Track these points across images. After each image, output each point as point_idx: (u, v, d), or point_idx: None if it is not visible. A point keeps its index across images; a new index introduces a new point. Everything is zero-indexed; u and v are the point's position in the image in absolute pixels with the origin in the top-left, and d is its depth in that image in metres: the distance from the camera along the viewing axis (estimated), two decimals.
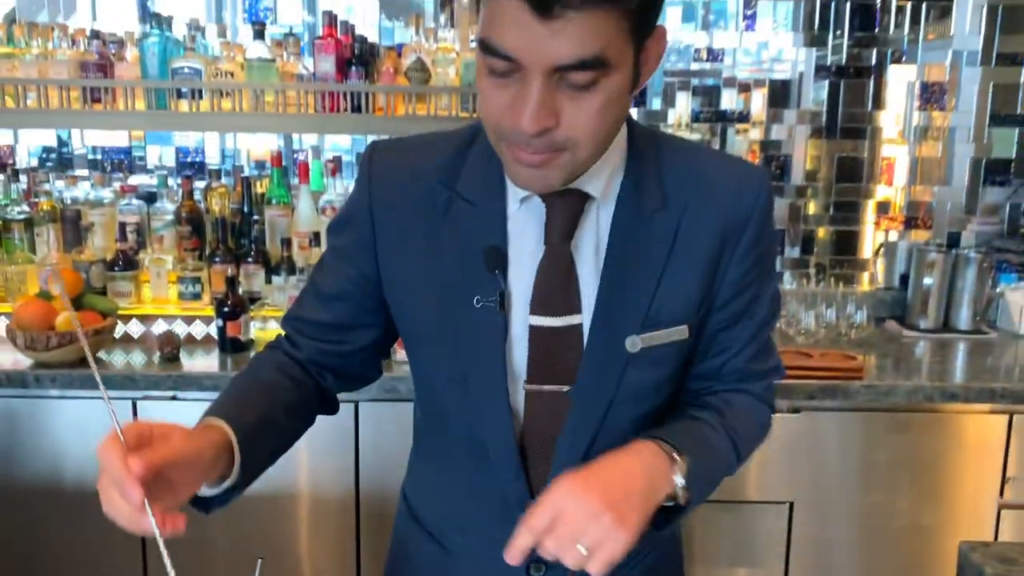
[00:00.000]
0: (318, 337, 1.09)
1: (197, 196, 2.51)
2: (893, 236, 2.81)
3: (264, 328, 2.27)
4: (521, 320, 0.98)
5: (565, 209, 0.96)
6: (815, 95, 2.73)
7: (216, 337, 2.24)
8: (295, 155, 2.74)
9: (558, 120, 0.84)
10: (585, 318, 0.98)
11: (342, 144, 2.78)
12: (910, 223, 2.80)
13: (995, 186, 2.77)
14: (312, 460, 2.16)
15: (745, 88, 2.74)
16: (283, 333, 1.13)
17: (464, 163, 1.00)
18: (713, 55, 2.73)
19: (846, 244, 2.82)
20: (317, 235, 2.40)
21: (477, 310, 0.97)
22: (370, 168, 1.04)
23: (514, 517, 0.92)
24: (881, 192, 2.79)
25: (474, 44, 2.44)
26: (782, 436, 2.14)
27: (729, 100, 2.75)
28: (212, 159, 2.79)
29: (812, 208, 2.80)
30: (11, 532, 2.17)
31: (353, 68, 2.38)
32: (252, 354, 2.18)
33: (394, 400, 2.07)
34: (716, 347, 1.05)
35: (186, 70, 2.37)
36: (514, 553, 0.85)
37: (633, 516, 0.86)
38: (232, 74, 2.40)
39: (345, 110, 2.39)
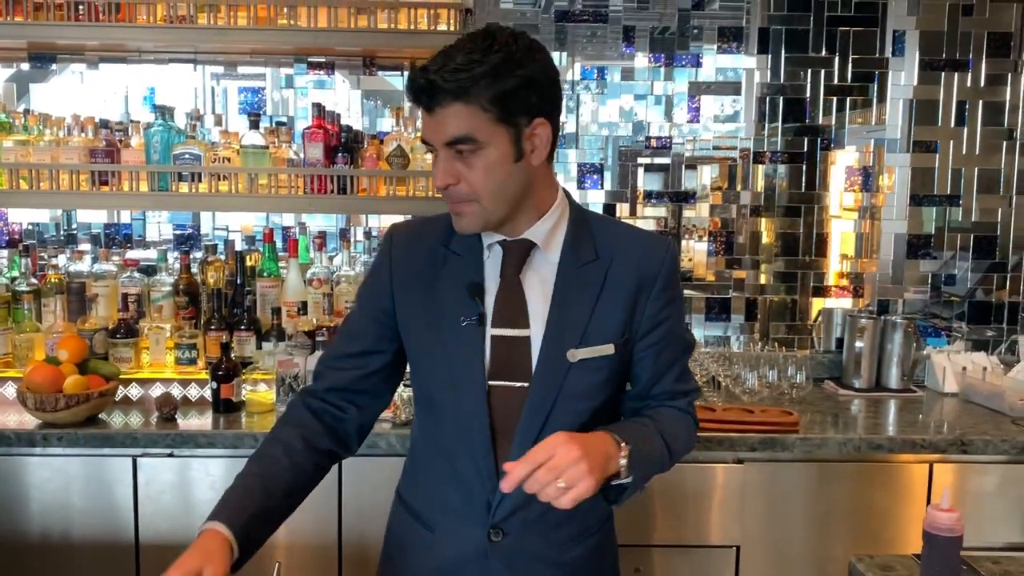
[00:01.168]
0: (347, 366, 1.45)
1: (194, 269, 2.73)
2: (832, 304, 3.09)
3: (255, 390, 2.46)
4: (488, 333, 1.34)
5: (515, 253, 1.35)
6: (760, 177, 3.04)
7: (210, 399, 2.44)
8: (285, 232, 2.97)
9: (458, 178, 1.25)
10: (533, 332, 1.33)
11: (327, 221, 3.02)
12: (857, 292, 3.09)
13: (926, 259, 3.07)
14: (296, 514, 2.33)
15: (692, 166, 3.04)
16: (310, 383, 1.50)
17: (455, 231, 1.37)
18: (662, 141, 3.03)
19: (790, 311, 3.09)
20: (304, 304, 2.62)
21: (463, 327, 1.33)
22: (391, 240, 1.46)
23: (484, 490, 1.30)
24: (823, 264, 3.08)
25: None
26: (728, 484, 2.36)
27: (681, 179, 3.04)
28: (204, 233, 3.01)
29: (760, 279, 3.07)
30: None
31: (339, 154, 2.64)
32: (243, 414, 2.41)
33: (376, 455, 2.26)
34: (649, 373, 1.40)
35: (187, 156, 2.62)
36: (511, 481, 1.15)
37: (597, 471, 1.18)
38: (229, 159, 2.65)
39: (332, 191, 2.64)
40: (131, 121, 2.81)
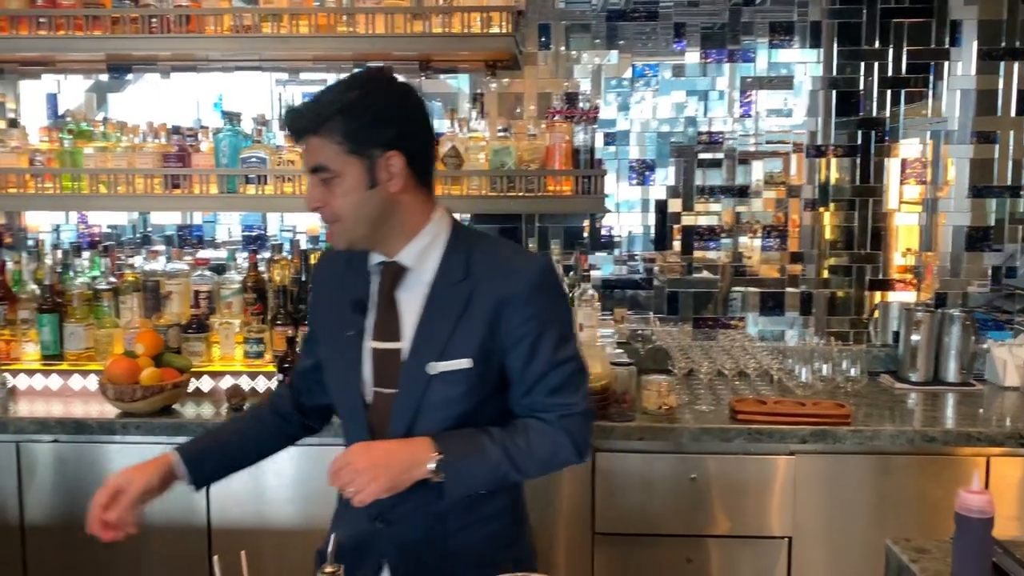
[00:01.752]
0: (300, 367, 1.75)
1: (261, 268, 2.85)
2: (894, 297, 3.06)
3: None
4: (369, 345, 1.52)
5: (388, 274, 1.51)
6: (816, 171, 3.03)
7: None
8: None
9: (323, 202, 1.42)
10: (404, 346, 1.48)
11: None
12: (918, 285, 3.06)
13: (987, 251, 3.03)
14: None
15: (745, 161, 3.06)
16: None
17: (357, 254, 1.54)
18: (716, 137, 3.05)
19: (848, 306, 3.08)
20: None
21: (348, 339, 1.52)
22: (317, 264, 1.72)
23: None
24: (880, 257, 3.06)
25: (501, 133, 2.80)
26: (780, 476, 2.38)
27: (736, 175, 3.06)
28: (271, 233, 3.15)
29: (816, 273, 3.07)
30: (95, 566, 2.45)
31: None
32: None
33: None
34: (517, 384, 1.49)
35: (253, 159, 2.74)
36: (329, 480, 1.39)
37: (384, 479, 1.36)
38: (293, 162, 2.76)
39: None
40: (201, 127, 2.96)
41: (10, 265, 2.88)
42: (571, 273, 2.88)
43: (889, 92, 2.99)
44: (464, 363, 1.44)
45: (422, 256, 1.49)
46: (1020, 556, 1.30)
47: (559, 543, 2.43)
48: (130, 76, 3.12)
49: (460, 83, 3.11)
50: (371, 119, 1.39)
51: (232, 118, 2.81)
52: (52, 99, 3.15)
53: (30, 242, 3.15)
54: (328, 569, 1.09)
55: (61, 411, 2.48)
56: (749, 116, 3.04)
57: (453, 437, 1.44)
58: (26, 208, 3.04)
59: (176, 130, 2.88)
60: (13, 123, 3.05)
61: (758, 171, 3.07)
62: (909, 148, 3.02)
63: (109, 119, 2.99)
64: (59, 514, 2.45)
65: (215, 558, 1.13)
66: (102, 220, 3.16)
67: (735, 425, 2.38)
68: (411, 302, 1.49)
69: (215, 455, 1.66)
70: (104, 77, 3.13)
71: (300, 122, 1.40)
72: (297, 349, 2.59)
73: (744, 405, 2.44)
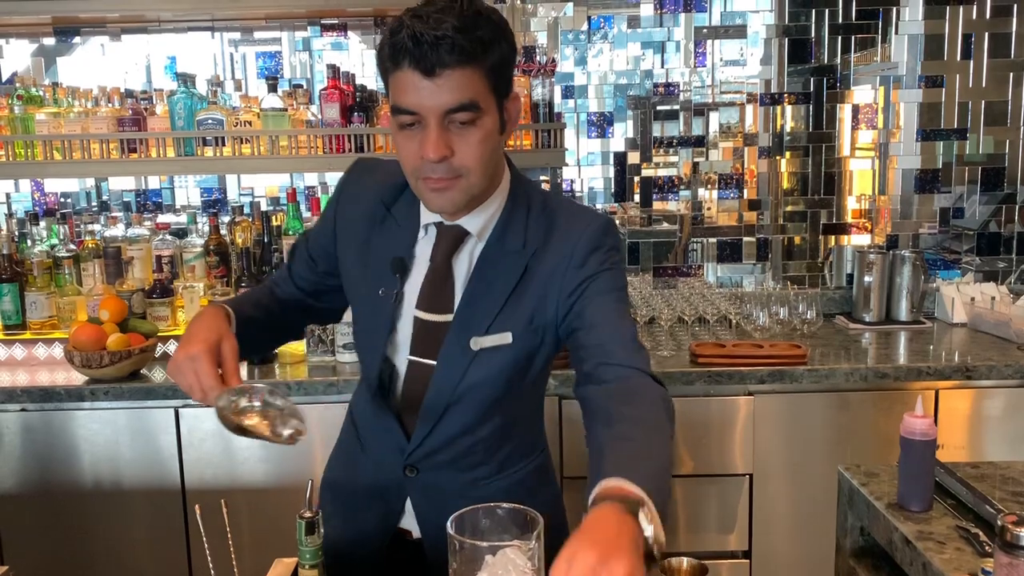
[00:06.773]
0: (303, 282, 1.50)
1: (223, 231, 2.85)
2: (846, 241, 3.15)
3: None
4: (410, 311, 1.33)
5: (449, 238, 1.31)
6: (771, 120, 3.09)
7: None
8: (308, 192, 3.08)
9: (453, 151, 1.17)
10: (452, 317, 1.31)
11: None
12: (872, 229, 3.15)
13: (937, 193, 3.12)
14: None
15: (701, 112, 3.10)
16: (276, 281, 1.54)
17: (403, 193, 1.35)
18: (671, 89, 3.08)
19: (804, 251, 3.16)
20: None
21: (380, 298, 1.33)
22: (345, 179, 1.43)
23: (395, 439, 1.35)
24: (836, 202, 3.13)
25: None
26: (740, 416, 2.46)
27: (691, 125, 3.10)
28: (231, 197, 3.13)
29: (772, 219, 3.13)
30: (69, 530, 2.48)
31: (355, 114, 2.73)
32: (276, 364, 2.51)
33: None
34: (597, 331, 1.25)
35: (210, 121, 2.72)
36: None
37: (624, 558, 0.86)
38: (250, 123, 2.74)
39: (349, 150, 2.73)
40: (155, 90, 2.92)
41: None
42: None
43: (840, 39, 3.04)
44: (506, 338, 1.29)
45: (487, 223, 1.30)
46: (960, 475, 1.38)
47: None
48: (77, 39, 3.06)
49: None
50: (507, 50, 1.17)
51: (186, 80, 2.77)
52: None
53: None
54: (307, 514, 1.12)
55: (27, 380, 2.48)
56: (704, 67, 3.07)
57: (636, 465, 1.02)
58: None
59: (129, 94, 2.84)
60: None
61: (714, 122, 3.11)
62: (861, 94, 3.08)
63: (59, 84, 2.93)
64: (30, 482, 2.45)
65: (196, 507, 1.16)
66: (55, 188, 3.12)
67: (695, 368, 2.45)
68: (461, 271, 1.31)
69: (251, 323, 1.37)
70: (50, 41, 3.06)
71: (454, 50, 1.10)
72: None
73: (703, 349, 2.51)
